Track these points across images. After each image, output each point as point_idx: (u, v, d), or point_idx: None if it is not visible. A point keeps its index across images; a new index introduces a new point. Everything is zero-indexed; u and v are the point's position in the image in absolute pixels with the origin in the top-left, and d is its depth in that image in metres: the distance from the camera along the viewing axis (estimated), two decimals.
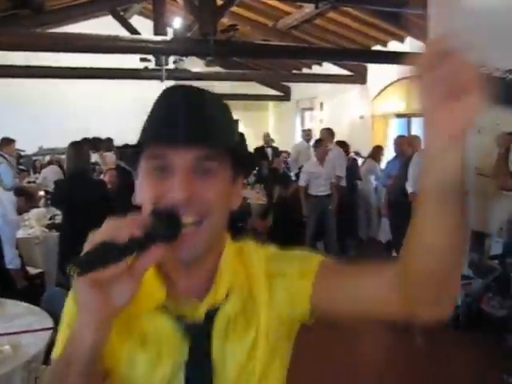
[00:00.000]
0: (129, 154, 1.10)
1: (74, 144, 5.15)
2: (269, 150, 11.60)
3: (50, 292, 4.02)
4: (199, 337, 1.05)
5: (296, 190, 7.72)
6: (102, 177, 6.98)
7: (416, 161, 5.69)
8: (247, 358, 1.08)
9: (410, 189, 5.75)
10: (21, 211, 5.35)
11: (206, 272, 1.09)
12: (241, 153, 1.09)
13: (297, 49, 9.26)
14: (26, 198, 5.39)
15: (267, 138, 12.86)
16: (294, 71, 14.74)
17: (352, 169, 8.38)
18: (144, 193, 1.02)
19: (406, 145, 6.57)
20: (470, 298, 4.69)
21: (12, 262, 5.24)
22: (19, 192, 5.46)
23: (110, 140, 10.78)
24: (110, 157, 8.89)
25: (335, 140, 8.99)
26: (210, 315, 1.06)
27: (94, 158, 8.64)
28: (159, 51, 8.59)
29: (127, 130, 11.09)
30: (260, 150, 10.75)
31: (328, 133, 8.97)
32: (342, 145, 8.60)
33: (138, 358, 1.05)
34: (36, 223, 6.21)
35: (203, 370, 1.05)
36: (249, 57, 11.94)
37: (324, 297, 1.10)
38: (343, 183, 7.89)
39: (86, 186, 4.96)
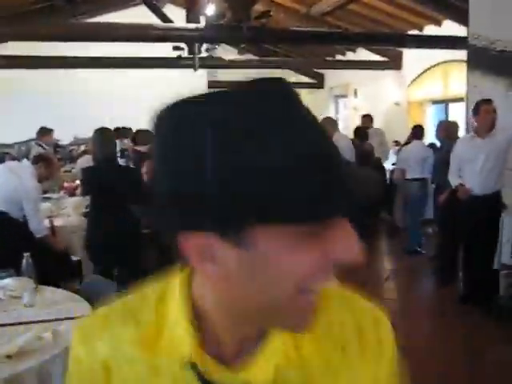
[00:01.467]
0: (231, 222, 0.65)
1: (98, 130, 5.04)
2: None
3: (88, 280, 4.04)
4: None
5: None
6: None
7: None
8: None
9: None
10: (41, 179, 5.23)
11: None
12: None
13: (330, 34, 9.11)
14: (44, 165, 5.28)
15: None
16: (328, 58, 14.57)
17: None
18: (288, 266, 0.67)
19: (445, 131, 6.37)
20: None
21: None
22: (36, 159, 5.36)
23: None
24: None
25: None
26: None
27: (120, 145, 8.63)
28: (192, 39, 8.56)
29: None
30: None
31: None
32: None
33: None
34: (73, 212, 6.26)
35: None
36: (282, 43, 11.83)
37: None
38: None
39: (113, 173, 4.89)
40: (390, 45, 10.43)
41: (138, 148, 7.52)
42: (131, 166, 6.61)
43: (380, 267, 7.06)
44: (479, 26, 5.51)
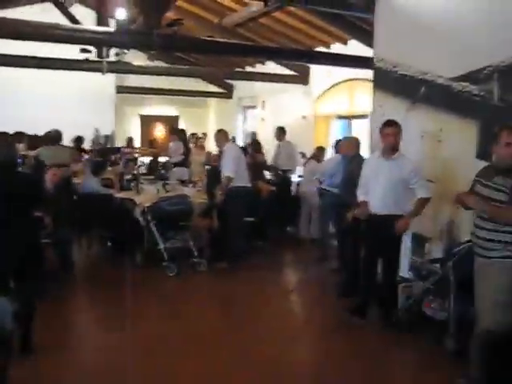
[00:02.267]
0: None
1: None
2: None
3: None
4: None
5: None
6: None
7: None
8: None
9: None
10: None
11: None
12: None
13: (241, 46, 9.22)
14: None
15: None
16: (238, 69, 14.69)
17: None
18: None
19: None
20: (410, 300, 4.77)
21: None
22: None
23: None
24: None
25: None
26: None
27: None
28: (101, 42, 8.34)
29: (65, 121, 10.66)
30: None
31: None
32: None
33: None
34: None
35: None
36: (193, 52, 11.80)
37: None
38: None
39: (10, 180, 4.51)
40: (299, 60, 10.69)
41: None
42: (29, 172, 6.28)
43: (286, 280, 7.20)
44: (383, 49, 5.78)
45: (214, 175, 7.67)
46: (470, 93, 4.66)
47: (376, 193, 4.92)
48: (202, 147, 12.38)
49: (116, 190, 7.78)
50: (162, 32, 7.70)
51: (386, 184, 4.82)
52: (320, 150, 8.93)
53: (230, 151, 7.14)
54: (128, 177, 8.55)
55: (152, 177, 9.51)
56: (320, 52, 11.16)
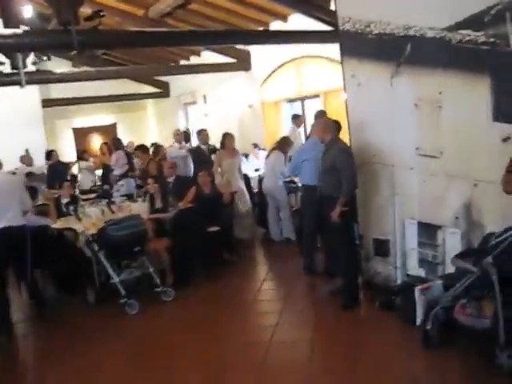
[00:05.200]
0: None
1: None
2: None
3: None
4: None
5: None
6: None
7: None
8: None
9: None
10: None
11: None
12: None
13: (174, 34, 8.04)
14: None
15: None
16: (171, 64, 13.58)
17: None
18: None
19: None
20: (437, 308, 3.82)
21: None
22: None
23: None
24: None
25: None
26: None
27: None
28: (10, 47, 7.04)
29: None
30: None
31: None
32: None
33: None
34: None
35: None
36: (119, 47, 10.51)
37: None
38: None
39: None
40: (246, 42, 9.69)
41: None
42: None
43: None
44: (349, 7, 4.78)
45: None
46: (475, 42, 3.72)
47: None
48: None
49: (53, 219, 6.58)
50: (80, 28, 6.58)
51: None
52: (285, 140, 7.83)
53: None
54: (65, 200, 7.33)
55: (93, 195, 8.31)
56: (262, 30, 10.17)
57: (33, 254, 5.32)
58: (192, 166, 9.21)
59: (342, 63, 5.07)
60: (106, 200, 7.02)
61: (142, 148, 9.62)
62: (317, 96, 10.49)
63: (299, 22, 9.36)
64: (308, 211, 6.07)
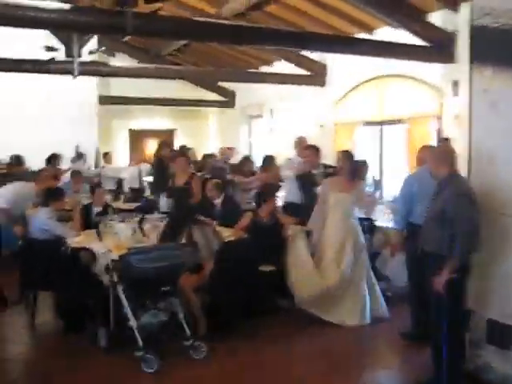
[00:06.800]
0: None
1: None
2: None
3: None
4: None
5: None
6: None
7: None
8: None
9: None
10: None
11: None
12: None
13: (246, 30, 6.82)
14: None
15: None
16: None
17: None
18: None
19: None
20: None
21: None
22: None
23: None
24: None
25: None
26: None
27: None
28: (53, 24, 6.01)
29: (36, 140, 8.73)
30: None
31: None
32: None
33: None
34: None
35: None
36: (181, 38, 9.48)
37: None
38: None
39: None
40: (329, 49, 8.29)
41: None
42: None
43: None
44: None
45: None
46: None
47: None
48: None
49: (75, 229, 5.44)
50: (138, 11, 5.56)
51: None
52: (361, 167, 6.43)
53: None
54: (98, 209, 6.21)
55: (132, 206, 7.16)
56: (350, 37, 8.88)
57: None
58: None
59: (470, 72, 3.69)
60: (141, 215, 5.73)
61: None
62: (399, 121, 9.18)
63: (387, 35, 8.09)
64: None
